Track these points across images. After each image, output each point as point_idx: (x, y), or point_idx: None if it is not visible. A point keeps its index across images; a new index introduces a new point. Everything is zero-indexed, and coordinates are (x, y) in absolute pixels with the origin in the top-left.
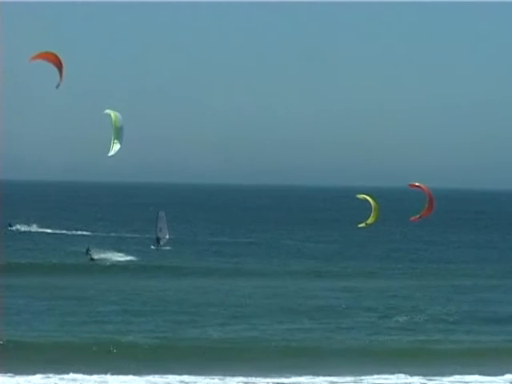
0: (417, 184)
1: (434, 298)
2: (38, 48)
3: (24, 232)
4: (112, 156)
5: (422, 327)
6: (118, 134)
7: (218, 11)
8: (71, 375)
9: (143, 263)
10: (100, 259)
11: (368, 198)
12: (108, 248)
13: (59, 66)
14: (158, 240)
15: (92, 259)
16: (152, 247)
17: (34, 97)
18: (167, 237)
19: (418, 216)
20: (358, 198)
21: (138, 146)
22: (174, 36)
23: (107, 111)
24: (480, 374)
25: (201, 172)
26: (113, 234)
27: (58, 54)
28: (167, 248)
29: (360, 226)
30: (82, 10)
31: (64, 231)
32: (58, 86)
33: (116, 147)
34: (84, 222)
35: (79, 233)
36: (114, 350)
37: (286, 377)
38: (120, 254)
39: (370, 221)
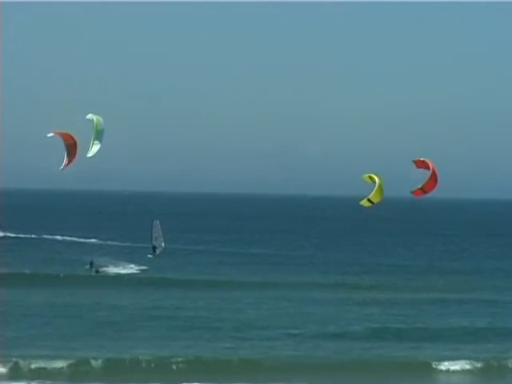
0: (422, 159)
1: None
2: (38, 48)
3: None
4: (91, 157)
5: None
6: (99, 135)
7: (218, 13)
8: None
9: (146, 275)
10: (104, 272)
11: (373, 175)
12: (111, 259)
13: (72, 148)
14: (154, 249)
15: (97, 272)
16: (149, 256)
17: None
18: (163, 245)
19: (419, 187)
20: (363, 180)
21: (138, 155)
22: (171, 41)
23: (89, 116)
24: None
25: (204, 181)
26: (116, 243)
27: (75, 137)
28: (168, 258)
29: (362, 203)
30: (79, 21)
31: (71, 238)
32: (62, 169)
33: (95, 148)
34: (88, 230)
35: (82, 240)
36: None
37: None
38: (123, 267)
39: (373, 198)
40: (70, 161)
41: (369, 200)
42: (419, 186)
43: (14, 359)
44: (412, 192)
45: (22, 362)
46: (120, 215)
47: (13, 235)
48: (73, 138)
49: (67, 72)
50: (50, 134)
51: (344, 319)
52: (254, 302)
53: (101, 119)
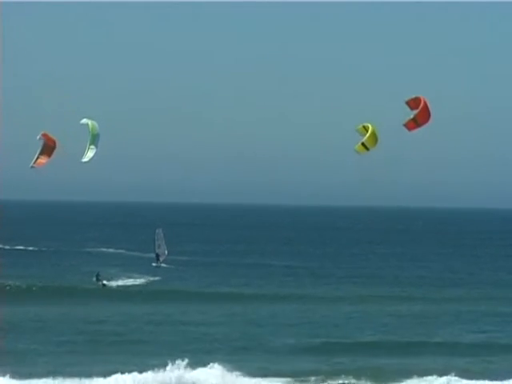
0: (413, 97)
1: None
2: (38, 49)
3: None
4: (86, 162)
5: None
6: (94, 140)
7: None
8: None
9: (154, 288)
10: (110, 285)
11: (367, 124)
12: (116, 271)
13: (49, 150)
14: (157, 257)
15: (103, 285)
16: (153, 264)
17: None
18: (166, 253)
19: (411, 119)
20: (356, 131)
21: (137, 165)
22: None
23: (84, 121)
24: None
25: (204, 190)
26: (121, 251)
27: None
28: (174, 266)
29: (356, 148)
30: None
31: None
32: (32, 167)
33: (91, 153)
34: (97, 240)
35: (88, 250)
36: None
37: None
38: (130, 278)
39: (368, 143)
40: (43, 160)
41: (363, 145)
42: (411, 117)
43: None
44: (404, 125)
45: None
46: (127, 225)
47: (20, 247)
48: (54, 143)
49: (67, 73)
50: (39, 137)
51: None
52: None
53: (96, 124)
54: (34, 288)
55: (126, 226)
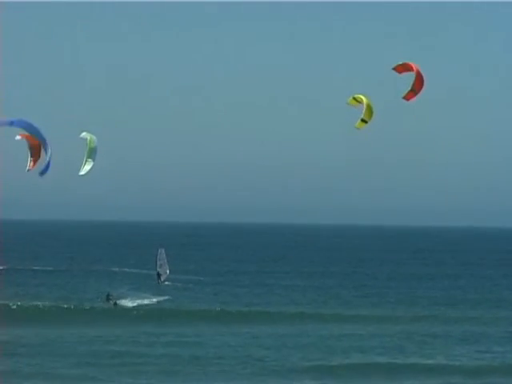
0: (400, 63)
1: None
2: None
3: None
4: (83, 175)
5: None
6: (91, 154)
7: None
8: None
9: (164, 307)
10: (121, 305)
11: (358, 96)
12: (128, 290)
13: (36, 149)
14: (158, 275)
15: (115, 304)
16: (155, 283)
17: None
18: (168, 272)
19: (410, 90)
20: (348, 104)
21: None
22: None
23: (83, 135)
24: None
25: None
26: (127, 269)
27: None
28: (182, 285)
29: (357, 125)
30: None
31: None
32: (28, 170)
33: (88, 167)
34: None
35: (95, 269)
36: None
37: None
38: (141, 298)
39: (366, 117)
40: (34, 161)
41: (362, 120)
42: (409, 89)
43: None
44: (404, 97)
45: None
46: (133, 244)
47: (35, 267)
48: (36, 139)
49: (67, 74)
50: (18, 137)
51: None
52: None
53: (94, 137)
54: (41, 308)
55: (132, 245)
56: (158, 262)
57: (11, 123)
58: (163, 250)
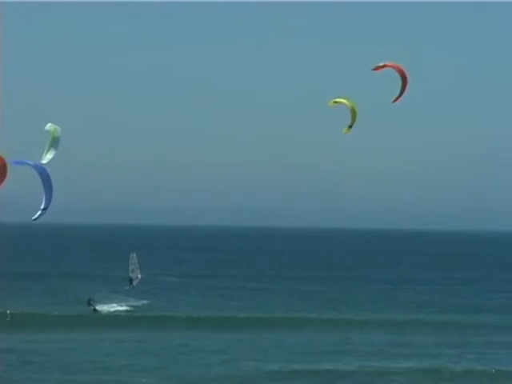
0: (381, 64)
1: None
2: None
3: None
4: (46, 164)
5: None
6: (54, 143)
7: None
8: None
9: (144, 314)
10: (103, 310)
11: (339, 100)
12: (107, 295)
13: (2, 168)
14: (130, 280)
15: (95, 310)
16: (126, 288)
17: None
18: (139, 276)
19: (398, 96)
20: (328, 106)
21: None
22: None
23: (48, 126)
24: None
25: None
26: (108, 273)
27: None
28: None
29: (345, 131)
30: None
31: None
32: None
33: (50, 156)
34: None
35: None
36: None
37: None
38: (121, 304)
39: (353, 122)
40: (0, 181)
41: (350, 126)
42: (397, 95)
43: None
44: (394, 101)
45: None
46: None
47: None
48: (3, 159)
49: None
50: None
51: None
52: None
53: (58, 127)
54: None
55: (112, 248)
56: (130, 267)
57: (34, 166)
58: (135, 255)
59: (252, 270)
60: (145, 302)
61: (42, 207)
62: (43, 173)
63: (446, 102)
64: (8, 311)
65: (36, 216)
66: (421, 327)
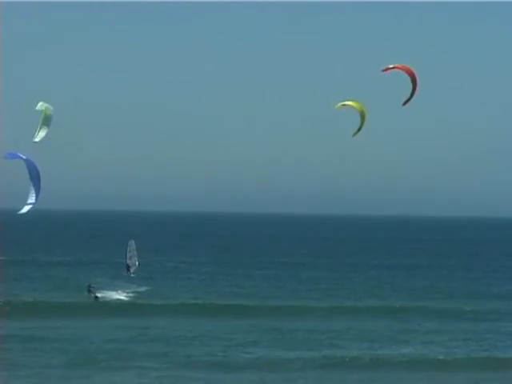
0: (391, 66)
1: None
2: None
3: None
4: (37, 142)
5: None
6: (46, 120)
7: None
8: None
9: (146, 301)
10: (103, 297)
11: (347, 103)
12: (110, 281)
13: None
14: (128, 268)
15: (96, 297)
16: (125, 274)
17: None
18: (137, 264)
19: (408, 99)
20: (336, 109)
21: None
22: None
23: (39, 105)
24: None
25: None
26: (109, 259)
27: None
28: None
29: (354, 135)
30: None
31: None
32: None
33: (42, 133)
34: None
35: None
36: None
37: None
38: (122, 290)
39: (361, 124)
40: None
41: (359, 129)
42: (408, 97)
43: None
44: (404, 104)
45: None
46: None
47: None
48: None
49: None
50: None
51: None
52: None
53: (50, 106)
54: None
55: (113, 235)
56: (128, 254)
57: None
58: (133, 242)
59: (252, 257)
60: (146, 288)
61: (29, 202)
62: (33, 169)
63: (452, 102)
64: (8, 299)
65: (23, 211)
66: (424, 314)
